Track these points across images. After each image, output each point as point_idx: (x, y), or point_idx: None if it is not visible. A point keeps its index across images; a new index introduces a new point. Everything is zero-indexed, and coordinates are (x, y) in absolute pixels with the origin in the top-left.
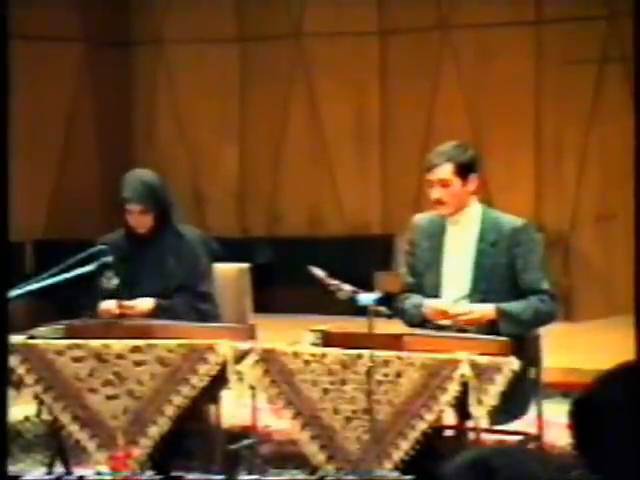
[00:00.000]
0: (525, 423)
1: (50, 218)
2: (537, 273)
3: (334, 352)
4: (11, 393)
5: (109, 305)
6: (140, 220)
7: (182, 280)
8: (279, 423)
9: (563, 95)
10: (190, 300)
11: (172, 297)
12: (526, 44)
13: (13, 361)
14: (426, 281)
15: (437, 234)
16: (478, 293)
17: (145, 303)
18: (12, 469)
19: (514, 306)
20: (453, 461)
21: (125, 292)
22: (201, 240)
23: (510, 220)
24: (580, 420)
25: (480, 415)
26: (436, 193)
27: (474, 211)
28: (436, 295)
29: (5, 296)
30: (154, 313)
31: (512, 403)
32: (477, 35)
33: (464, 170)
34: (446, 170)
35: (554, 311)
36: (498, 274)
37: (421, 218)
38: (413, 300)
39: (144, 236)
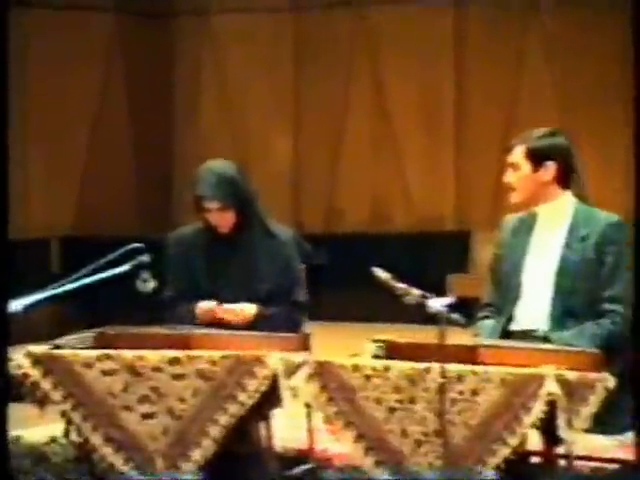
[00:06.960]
0: (622, 450)
1: (79, 212)
2: (620, 282)
3: (399, 365)
4: (33, 411)
5: (209, 305)
6: (221, 218)
7: (276, 286)
8: (339, 446)
9: None
10: (289, 309)
11: (261, 303)
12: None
13: (35, 374)
14: (509, 282)
15: (525, 232)
16: (562, 292)
17: (249, 309)
18: None
19: (564, 337)
20: None
21: (206, 295)
22: (295, 241)
23: (606, 215)
24: None
25: (571, 440)
26: (506, 177)
27: (565, 205)
28: (517, 295)
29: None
30: (255, 320)
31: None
32: (566, 11)
33: (536, 155)
34: (517, 152)
35: (617, 330)
36: (585, 271)
37: (511, 217)
38: (488, 324)
39: (228, 234)
